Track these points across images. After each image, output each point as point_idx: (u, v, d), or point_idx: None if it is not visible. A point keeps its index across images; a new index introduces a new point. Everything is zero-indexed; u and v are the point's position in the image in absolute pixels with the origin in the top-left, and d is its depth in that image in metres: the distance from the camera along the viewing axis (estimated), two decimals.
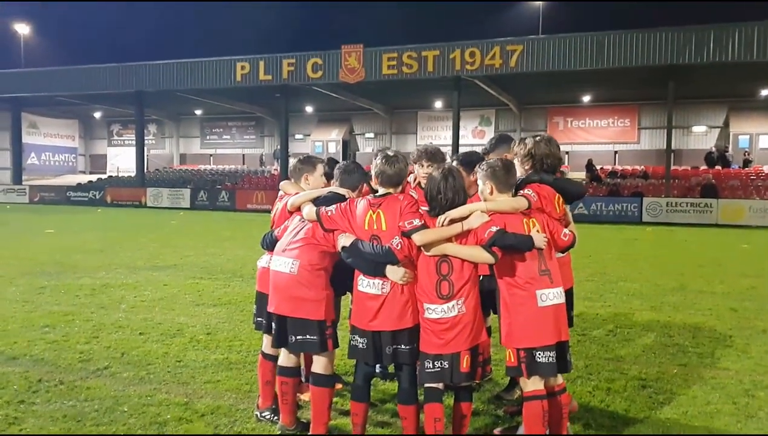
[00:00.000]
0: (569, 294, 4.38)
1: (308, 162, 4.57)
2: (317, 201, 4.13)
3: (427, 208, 3.86)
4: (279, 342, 4.13)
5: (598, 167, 35.23)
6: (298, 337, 4.00)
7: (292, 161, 4.68)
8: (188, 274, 10.75)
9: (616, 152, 39.19)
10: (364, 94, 37.14)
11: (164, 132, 50.66)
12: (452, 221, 3.71)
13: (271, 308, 4.14)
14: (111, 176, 45.46)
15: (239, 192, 34.89)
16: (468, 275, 3.72)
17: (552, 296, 3.74)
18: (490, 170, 3.91)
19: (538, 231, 3.79)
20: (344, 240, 3.88)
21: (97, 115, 49.62)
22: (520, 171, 4.22)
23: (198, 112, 46.61)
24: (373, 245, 3.77)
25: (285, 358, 4.19)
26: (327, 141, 44.07)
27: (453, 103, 31.62)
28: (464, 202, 3.82)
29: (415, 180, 5.00)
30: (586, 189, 4.79)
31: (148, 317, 7.46)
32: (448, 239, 3.70)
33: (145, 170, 41.06)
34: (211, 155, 48.90)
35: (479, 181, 4.00)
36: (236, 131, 48.09)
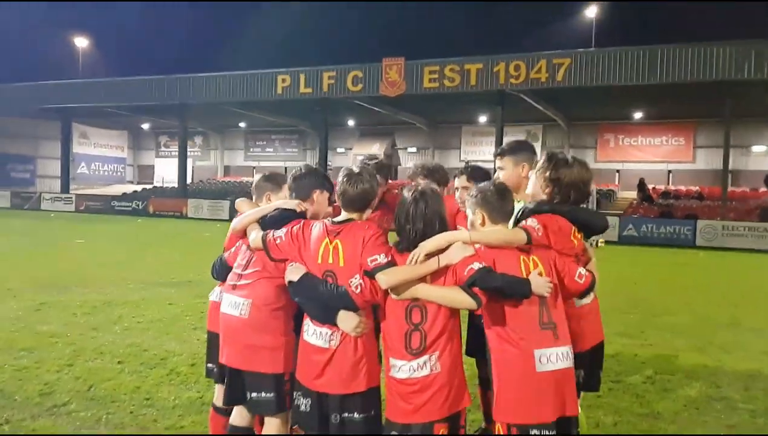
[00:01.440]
0: (599, 351, 3.58)
1: (272, 180, 3.81)
2: (264, 222, 3.42)
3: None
4: (231, 399, 3.43)
5: (650, 187, 33.77)
6: (254, 394, 3.30)
7: (256, 177, 3.94)
8: (199, 291, 10.16)
9: (669, 172, 37.59)
10: (406, 107, 36.56)
11: (209, 144, 51.05)
12: (428, 256, 2.98)
13: (222, 359, 3.44)
14: (155, 187, 45.85)
15: None
16: (444, 324, 2.95)
17: (555, 358, 2.93)
18: (481, 196, 3.15)
19: (540, 274, 3.02)
20: (292, 273, 3.14)
21: (146, 126, 50.33)
22: (533, 189, 3.46)
23: (242, 124, 46.77)
24: (326, 283, 3.04)
25: (237, 416, 3.47)
26: (369, 155, 43.50)
27: (496, 118, 30.74)
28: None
29: None
30: (608, 222, 4.18)
31: (137, 341, 6.88)
32: (422, 279, 2.96)
33: (190, 181, 41.19)
34: (254, 168, 48.95)
35: (468, 210, 3.25)
36: (279, 144, 48.10)
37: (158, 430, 4.46)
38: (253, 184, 3.87)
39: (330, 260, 3.07)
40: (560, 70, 27.12)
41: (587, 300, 3.43)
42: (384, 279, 2.91)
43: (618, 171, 37.98)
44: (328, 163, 37.13)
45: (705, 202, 31.32)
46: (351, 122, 42.62)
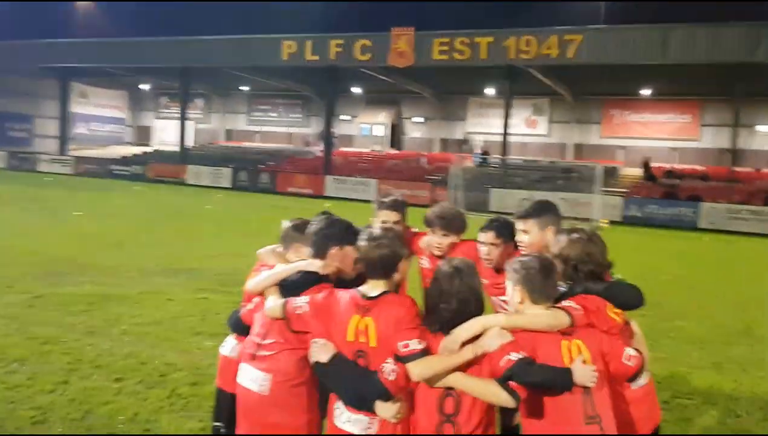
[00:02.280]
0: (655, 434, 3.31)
1: (301, 229, 3.38)
2: (284, 288, 3.11)
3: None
4: None
5: (655, 165, 33.36)
6: None
7: (284, 224, 3.50)
8: (200, 284, 9.92)
9: (674, 149, 37.16)
10: (414, 77, 36.01)
11: (211, 107, 50.39)
12: (463, 344, 2.71)
13: (239, 431, 3.17)
14: (155, 151, 45.27)
15: (280, 174, 34.29)
16: (479, 418, 2.72)
17: None
18: (524, 272, 2.87)
19: (584, 361, 2.74)
20: (321, 353, 2.87)
21: (146, 87, 49.58)
22: None
23: (245, 88, 46.09)
24: (357, 368, 2.78)
25: None
26: (374, 124, 43.08)
27: (504, 92, 30.26)
28: (476, 313, 2.81)
29: (428, 247, 4.03)
30: (644, 298, 4.00)
31: (135, 351, 6.60)
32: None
33: (192, 144, 40.62)
34: (256, 133, 48.41)
35: (507, 284, 2.96)
36: (283, 109, 47.48)
37: None
38: (281, 233, 3.49)
39: (361, 339, 2.81)
40: (571, 46, 26.60)
41: (643, 381, 3.17)
42: (416, 372, 2.67)
43: (623, 148, 37.55)
44: (332, 130, 36.65)
45: (709, 182, 30.99)
46: (357, 90, 42.00)
